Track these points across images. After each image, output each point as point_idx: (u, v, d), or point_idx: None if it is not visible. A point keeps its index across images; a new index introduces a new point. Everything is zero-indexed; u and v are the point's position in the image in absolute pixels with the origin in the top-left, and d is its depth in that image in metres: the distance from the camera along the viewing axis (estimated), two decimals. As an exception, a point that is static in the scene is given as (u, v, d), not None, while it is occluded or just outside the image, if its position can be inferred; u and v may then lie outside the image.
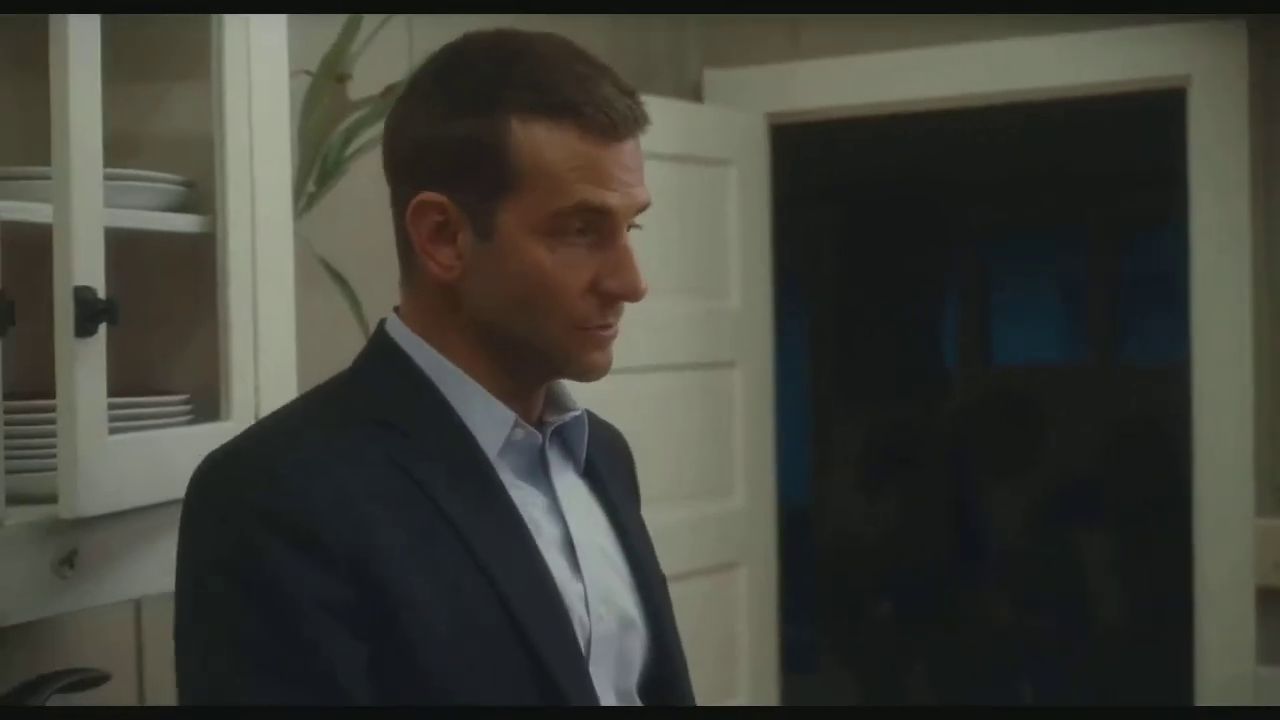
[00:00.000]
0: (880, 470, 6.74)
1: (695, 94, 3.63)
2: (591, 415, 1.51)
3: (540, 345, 1.37)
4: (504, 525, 1.36)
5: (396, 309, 1.45)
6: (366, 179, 2.49)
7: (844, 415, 6.86)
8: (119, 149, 1.68)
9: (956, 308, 7.19)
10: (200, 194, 1.82)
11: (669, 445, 3.27)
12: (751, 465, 3.64)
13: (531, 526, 1.38)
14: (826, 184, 6.04)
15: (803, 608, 4.09)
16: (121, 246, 1.63)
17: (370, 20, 2.19)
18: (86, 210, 1.56)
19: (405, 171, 1.38)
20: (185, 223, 1.79)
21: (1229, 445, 3.23)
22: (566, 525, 1.42)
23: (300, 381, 1.93)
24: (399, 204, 1.39)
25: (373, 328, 2.29)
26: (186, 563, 1.31)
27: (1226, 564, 3.24)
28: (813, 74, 3.58)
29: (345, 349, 2.29)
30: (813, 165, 4.42)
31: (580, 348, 1.38)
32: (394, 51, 2.57)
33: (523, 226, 1.33)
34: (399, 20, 2.44)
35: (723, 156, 3.52)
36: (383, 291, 2.63)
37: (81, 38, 1.55)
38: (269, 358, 1.88)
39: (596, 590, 1.41)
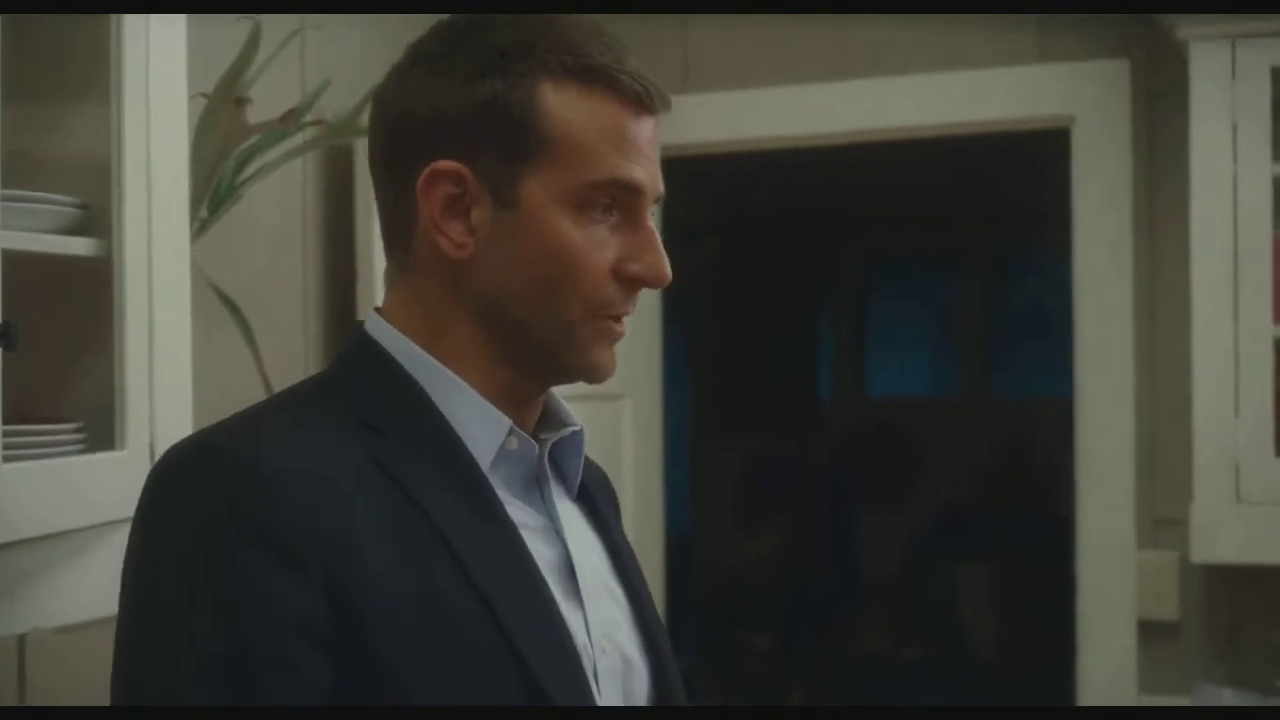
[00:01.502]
0: (758, 500, 6.77)
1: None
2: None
3: (551, 334, 1.26)
4: (501, 542, 1.23)
5: (377, 309, 1.33)
6: (261, 205, 2.47)
7: (722, 445, 6.88)
8: (12, 170, 1.64)
9: (836, 339, 7.24)
10: (95, 216, 1.77)
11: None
12: (640, 496, 3.63)
13: (528, 547, 1.26)
14: (707, 216, 6.06)
15: (682, 637, 4.08)
16: (8, 268, 1.58)
17: (267, 43, 2.15)
18: (-18, 232, 1.51)
19: (412, 143, 1.26)
20: (80, 246, 1.74)
21: (1110, 478, 3.28)
22: (566, 548, 1.30)
23: (196, 409, 1.90)
24: (398, 181, 1.27)
25: (265, 356, 2.29)
26: (143, 558, 1.17)
27: (1108, 596, 3.28)
28: (703, 108, 3.59)
29: (237, 377, 2.28)
30: (694, 197, 4.43)
31: (592, 341, 1.27)
32: (289, 77, 2.54)
33: (550, 198, 1.23)
34: (295, 44, 2.41)
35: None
36: (276, 319, 2.62)
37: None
38: (164, 385, 1.84)
39: (598, 621, 1.29)
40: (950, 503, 6.56)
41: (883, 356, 7.26)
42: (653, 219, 1.30)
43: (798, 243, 6.83)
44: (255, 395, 2.18)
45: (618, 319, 1.29)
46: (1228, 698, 3.01)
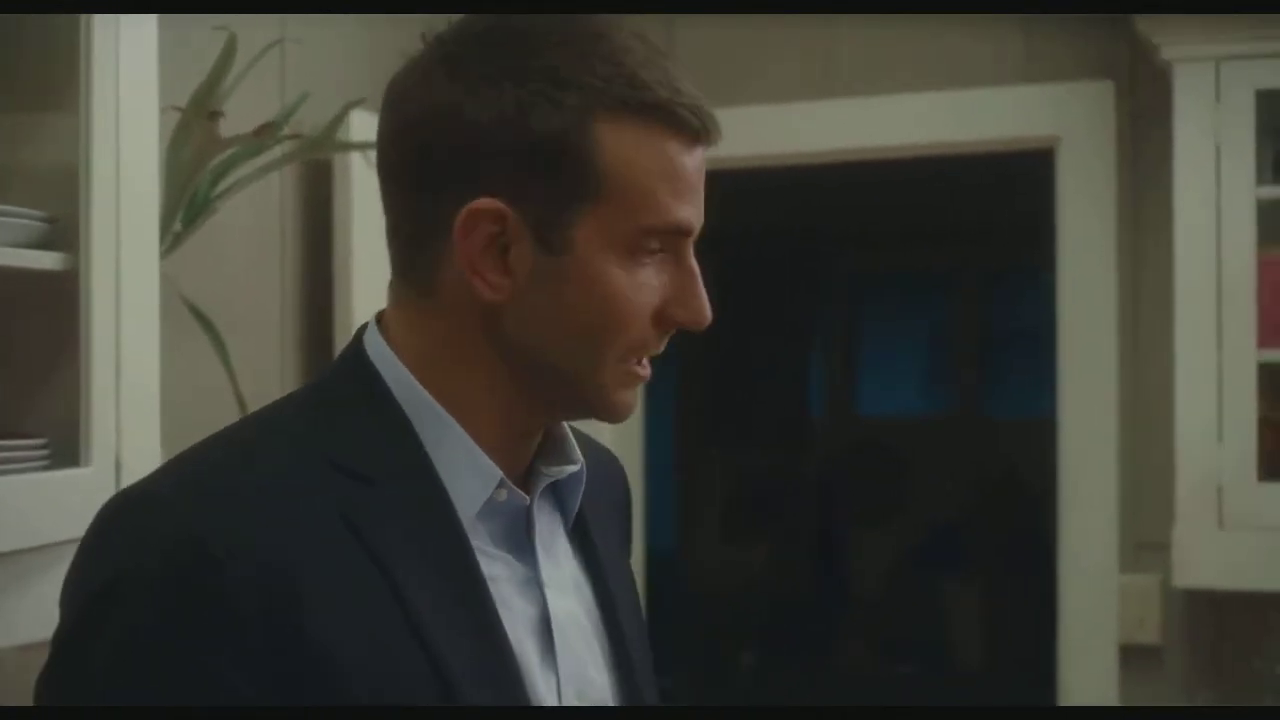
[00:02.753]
0: (745, 518, 6.76)
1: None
2: (588, 441, 1.34)
3: (585, 380, 1.18)
4: (466, 602, 1.14)
5: (378, 317, 1.24)
6: (237, 219, 2.45)
7: (711, 462, 6.87)
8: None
9: (825, 356, 7.23)
10: (63, 230, 1.75)
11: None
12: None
13: (501, 603, 1.17)
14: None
15: (666, 656, 4.06)
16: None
17: (244, 55, 2.13)
18: (-58, 246, 1.50)
19: (448, 167, 1.15)
20: (47, 260, 1.72)
21: (1094, 501, 3.26)
22: (544, 601, 1.21)
23: (164, 427, 1.87)
24: (426, 202, 1.17)
25: (239, 372, 2.27)
26: (76, 600, 1.10)
27: (1091, 620, 3.26)
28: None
29: (210, 393, 2.25)
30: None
31: (620, 384, 1.19)
32: (266, 89, 2.53)
33: (604, 242, 1.14)
34: (273, 56, 2.39)
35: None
36: (251, 335, 2.60)
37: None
38: (131, 402, 1.82)
39: (570, 680, 1.22)
40: (937, 521, 6.55)
41: (872, 374, 7.25)
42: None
43: (786, 260, 6.82)
44: (228, 411, 2.17)
45: (646, 362, 1.22)
46: (1208, 724, 3.00)
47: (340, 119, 2.35)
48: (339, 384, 1.22)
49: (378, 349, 1.20)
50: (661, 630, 3.84)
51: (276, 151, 2.36)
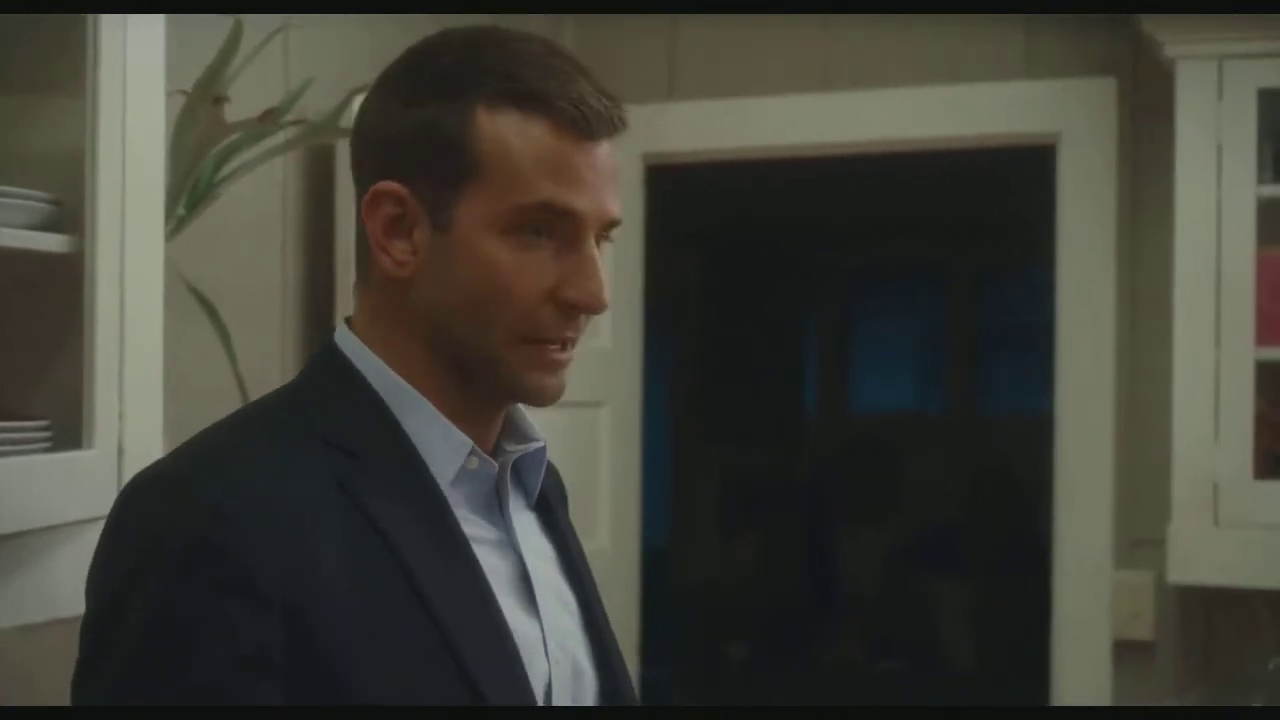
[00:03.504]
0: (738, 513, 6.77)
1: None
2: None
3: (487, 356, 1.27)
4: (455, 563, 1.26)
5: (347, 320, 1.36)
6: (239, 204, 2.45)
7: (703, 458, 6.87)
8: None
9: (818, 352, 7.24)
10: (68, 213, 1.75)
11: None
12: (616, 506, 3.62)
13: (483, 563, 1.28)
14: (691, 225, 6.05)
15: (657, 650, 4.07)
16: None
17: (249, 41, 2.13)
18: (-50, 226, 1.49)
19: (366, 163, 1.30)
20: (53, 242, 1.72)
21: (1089, 497, 3.27)
22: (522, 561, 1.33)
23: (166, 411, 1.88)
24: (358, 202, 1.31)
25: (241, 356, 2.27)
26: (101, 594, 1.20)
27: (1084, 615, 3.27)
28: (689, 116, 3.58)
29: (212, 378, 2.26)
30: (678, 206, 4.42)
31: (529, 365, 1.28)
32: (271, 75, 2.53)
33: (482, 220, 1.24)
34: (277, 42, 2.39)
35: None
36: (253, 320, 2.60)
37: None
38: (134, 385, 1.81)
39: (554, 633, 1.33)
40: (930, 518, 6.56)
41: (866, 371, 7.26)
42: (602, 244, 1.30)
43: (782, 254, 6.82)
44: (229, 396, 2.18)
45: (559, 344, 1.29)
46: (1202, 720, 3.00)
47: (344, 105, 2.35)
48: (317, 376, 1.34)
49: (348, 342, 1.32)
50: (654, 624, 3.87)
51: (280, 137, 2.36)
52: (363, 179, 1.31)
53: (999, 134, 3.41)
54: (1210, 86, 2.86)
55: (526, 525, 1.38)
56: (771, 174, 4.27)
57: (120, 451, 1.77)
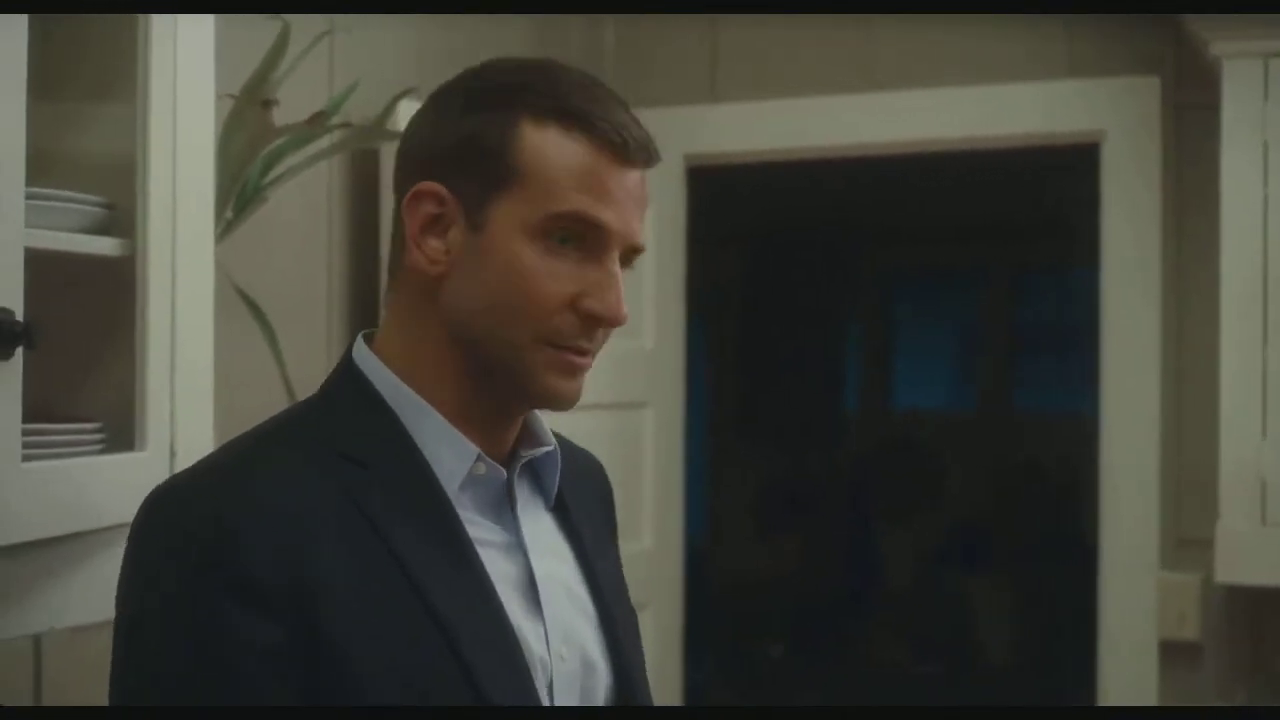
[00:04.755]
0: (777, 513, 6.76)
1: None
2: (568, 443, 1.51)
3: (503, 355, 1.33)
4: (457, 563, 1.31)
5: (367, 334, 1.42)
6: (286, 207, 2.46)
7: (743, 457, 6.87)
8: (37, 168, 1.63)
9: (858, 352, 7.23)
10: (120, 216, 1.76)
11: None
12: (660, 506, 3.62)
13: (489, 565, 1.33)
14: (732, 226, 6.05)
15: (696, 649, 4.07)
16: (32, 267, 1.57)
17: (295, 45, 2.15)
18: (6, 230, 1.50)
19: (410, 165, 1.37)
20: (104, 245, 1.73)
21: (1135, 497, 3.26)
22: (528, 562, 1.38)
23: (216, 412, 1.89)
24: (397, 205, 1.37)
25: (287, 358, 2.28)
26: (124, 598, 1.28)
27: (1130, 616, 3.26)
28: (730, 117, 3.58)
29: (260, 380, 2.27)
30: (720, 207, 4.43)
31: (547, 368, 1.34)
32: (317, 79, 2.54)
33: (514, 224, 1.31)
34: (323, 46, 2.41)
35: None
36: (299, 322, 2.61)
37: (5, 48, 1.50)
38: (185, 387, 1.83)
39: (557, 629, 1.37)
40: (970, 517, 6.54)
41: (907, 369, 7.25)
42: (628, 267, 1.37)
43: (823, 254, 6.82)
44: (277, 397, 2.19)
45: (577, 352, 1.35)
46: (1250, 721, 2.99)
47: (390, 108, 2.36)
48: (333, 391, 1.40)
49: (363, 357, 1.39)
50: (694, 623, 3.87)
51: (325, 141, 2.37)
52: (403, 179, 1.37)
53: (1041, 134, 3.40)
54: (1256, 84, 2.84)
55: (542, 527, 1.43)
56: (813, 175, 4.27)
57: (172, 453, 1.79)
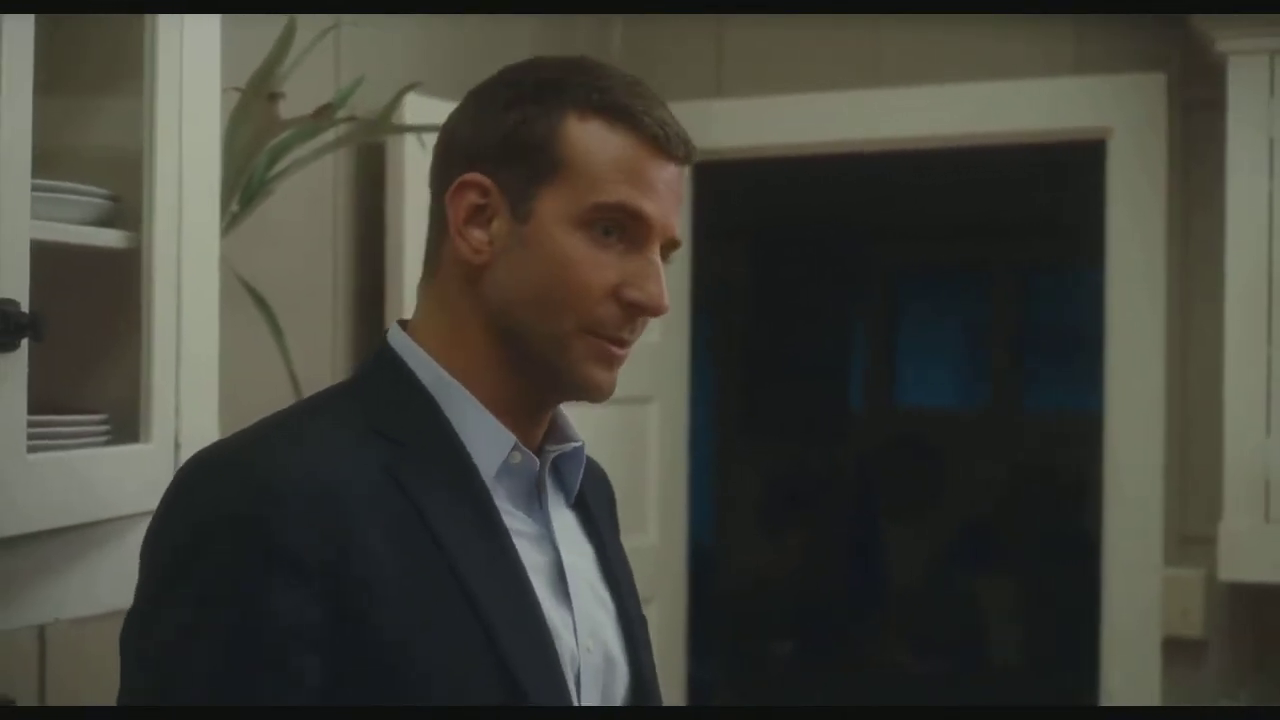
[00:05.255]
0: (782, 510, 6.76)
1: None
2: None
3: (546, 345, 1.35)
4: (494, 550, 1.33)
5: (400, 322, 1.43)
6: (292, 201, 2.47)
7: (748, 454, 6.87)
8: (44, 161, 1.63)
9: (863, 349, 7.23)
10: (126, 209, 1.77)
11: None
12: (664, 501, 3.63)
13: (522, 554, 1.35)
14: (738, 222, 6.05)
15: (701, 646, 4.07)
16: (38, 259, 1.58)
17: (301, 38, 2.15)
18: (12, 222, 1.51)
19: (451, 160, 1.38)
20: (110, 238, 1.74)
21: (1139, 495, 3.26)
22: (558, 554, 1.40)
23: (221, 404, 1.89)
24: (436, 196, 1.39)
25: (293, 351, 2.29)
26: (158, 560, 1.28)
27: (1134, 613, 3.26)
28: (736, 113, 3.58)
29: (265, 372, 2.28)
30: (726, 203, 4.43)
31: (587, 357, 1.35)
32: (324, 72, 2.54)
33: (559, 215, 1.33)
34: (329, 40, 2.41)
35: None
36: (305, 315, 2.62)
37: (13, 42, 1.50)
38: (191, 379, 1.83)
39: (585, 622, 1.39)
40: (976, 515, 6.54)
41: (912, 367, 7.24)
42: (666, 261, 1.38)
43: (828, 251, 6.81)
44: (282, 390, 2.20)
45: (617, 342, 1.37)
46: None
47: (396, 102, 2.36)
48: (370, 373, 1.42)
49: (400, 342, 1.40)
50: (699, 621, 3.87)
51: (332, 134, 2.38)
52: (445, 170, 1.39)
53: (1048, 130, 3.40)
54: (1261, 82, 2.84)
55: (566, 522, 1.45)
56: (819, 171, 4.27)
57: (177, 445, 1.80)
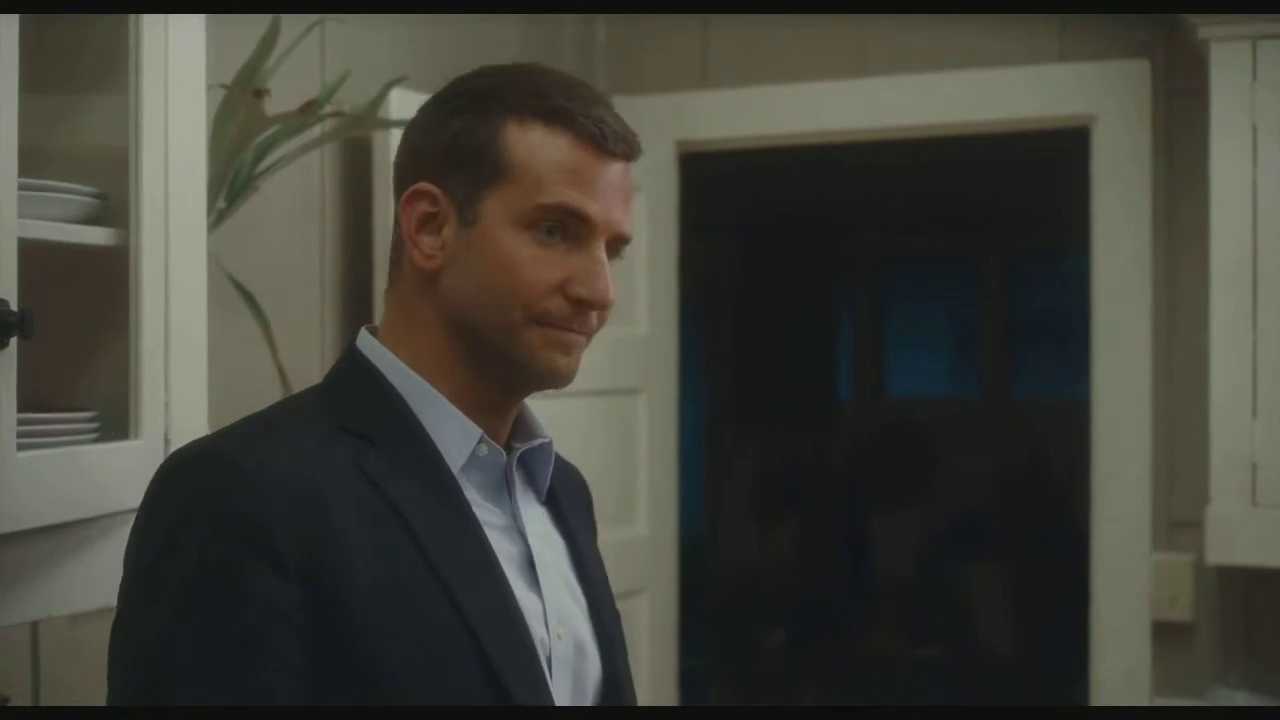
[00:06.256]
0: (772, 500, 6.77)
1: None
2: (556, 457, 1.54)
3: (499, 337, 1.39)
4: (464, 537, 1.37)
5: (370, 328, 1.48)
6: (279, 196, 2.47)
7: (738, 445, 6.88)
8: (30, 159, 1.64)
9: (850, 340, 7.23)
10: (113, 206, 1.77)
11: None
12: (654, 492, 3.63)
13: (491, 543, 1.39)
14: (725, 213, 6.06)
15: (693, 637, 4.08)
16: (26, 257, 1.58)
17: (286, 34, 2.15)
18: (0, 221, 1.51)
19: (405, 171, 1.44)
20: (97, 235, 1.75)
21: (1127, 480, 3.27)
22: (528, 545, 1.43)
23: (210, 400, 1.90)
24: (396, 206, 1.44)
25: (281, 347, 2.29)
26: (141, 554, 1.31)
27: (1123, 598, 3.27)
28: (721, 103, 3.59)
29: (253, 368, 2.28)
30: (712, 194, 4.44)
31: (542, 345, 1.40)
32: (309, 68, 2.54)
33: (503, 217, 1.38)
34: (314, 36, 2.41)
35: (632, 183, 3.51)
36: (292, 310, 2.62)
37: (-3, 42, 1.51)
38: (180, 375, 1.84)
39: (555, 610, 1.42)
40: (965, 504, 6.55)
41: (900, 357, 7.25)
42: (618, 255, 1.43)
43: (816, 241, 6.82)
44: (270, 385, 2.20)
45: (568, 330, 1.41)
46: (1241, 700, 3.00)
47: (381, 97, 2.37)
48: (339, 376, 1.46)
49: (368, 345, 1.45)
50: (690, 612, 3.88)
51: (318, 129, 2.38)
52: (398, 186, 1.45)
53: (1032, 118, 3.41)
54: (1244, 67, 2.84)
55: (536, 516, 1.49)
56: (805, 161, 4.28)
57: (167, 441, 1.80)
